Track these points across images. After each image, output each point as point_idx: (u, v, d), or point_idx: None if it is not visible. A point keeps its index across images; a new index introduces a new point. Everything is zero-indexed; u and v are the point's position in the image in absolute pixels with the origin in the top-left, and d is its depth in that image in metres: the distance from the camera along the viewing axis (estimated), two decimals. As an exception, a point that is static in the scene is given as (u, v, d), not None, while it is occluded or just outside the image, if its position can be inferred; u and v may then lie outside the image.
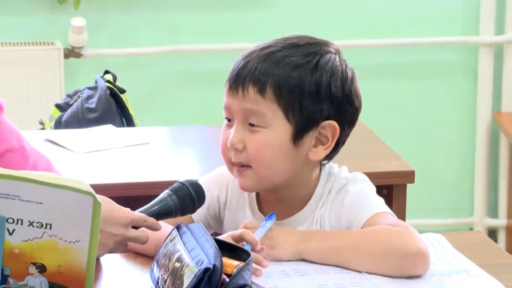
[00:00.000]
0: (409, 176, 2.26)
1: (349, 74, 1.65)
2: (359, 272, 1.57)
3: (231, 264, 1.45)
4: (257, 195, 1.72)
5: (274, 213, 1.65)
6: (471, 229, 3.77)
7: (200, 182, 1.75)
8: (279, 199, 1.69)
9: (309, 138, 1.63)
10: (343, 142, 1.67)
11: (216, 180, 1.75)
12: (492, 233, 3.81)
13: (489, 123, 3.75)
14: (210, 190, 1.73)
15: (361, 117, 1.73)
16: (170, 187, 1.65)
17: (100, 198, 1.40)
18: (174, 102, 3.59)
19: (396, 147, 2.49)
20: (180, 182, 1.65)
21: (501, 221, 3.80)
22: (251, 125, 1.62)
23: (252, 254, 1.54)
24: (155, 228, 1.62)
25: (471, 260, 1.63)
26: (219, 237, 1.57)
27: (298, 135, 1.62)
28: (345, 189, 1.67)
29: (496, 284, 1.55)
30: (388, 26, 3.65)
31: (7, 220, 1.37)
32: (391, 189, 2.25)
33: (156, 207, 1.63)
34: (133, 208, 2.10)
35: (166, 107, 3.58)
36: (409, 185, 2.26)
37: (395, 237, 1.57)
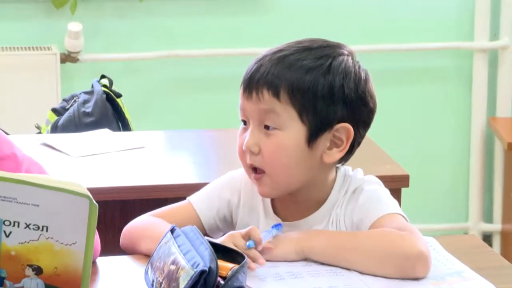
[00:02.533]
0: (404, 180, 2.27)
1: (362, 75, 1.67)
2: (351, 273, 1.58)
3: (226, 266, 1.46)
4: (272, 198, 1.73)
5: (281, 224, 1.66)
6: (465, 233, 3.78)
7: (210, 185, 1.77)
8: (295, 201, 1.70)
9: (324, 141, 1.64)
10: (359, 144, 1.69)
11: (228, 184, 1.76)
12: (487, 238, 3.82)
13: (484, 128, 3.77)
14: (220, 193, 1.75)
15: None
16: None
17: None
18: (170, 106, 3.60)
19: (391, 151, 2.50)
20: None
21: (496, 226, 3.81)
22: (266, 127, 1.64)
23: (249, 252, 1.56)
24: None
25: (465, 263, 1.63)
26: (218, 240, 1.58)
27: (312, 137, 1.63)
28: (361, 188, 1.69)
29: (490, 286, 1.55)
30: (383, 32, 3.67)
31: (3, 222, 1.37)
32: (386, 193, 2.26)
33: None
34: (128, 212, 2.11)
35: (162, 111, 3.59)
36: (403, 190, 2.26)
37: (397, 239, 1.58)
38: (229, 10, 3.58)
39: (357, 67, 1.67)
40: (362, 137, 1.69)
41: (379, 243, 1.59)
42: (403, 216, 1.67)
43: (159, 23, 3.55)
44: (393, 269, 1.57)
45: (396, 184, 2.25)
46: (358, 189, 1.69)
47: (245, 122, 1.67)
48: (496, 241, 3.82)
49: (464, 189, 3.82)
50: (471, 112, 3.76)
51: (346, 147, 1.66)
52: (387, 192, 1.71)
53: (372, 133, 2.64)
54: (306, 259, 1.62)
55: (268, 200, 1.73)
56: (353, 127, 1.65)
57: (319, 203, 1.70)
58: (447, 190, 3.83)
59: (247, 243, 1.57)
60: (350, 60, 1.66)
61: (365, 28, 3.64)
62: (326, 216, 1.69)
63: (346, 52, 1.68)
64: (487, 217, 3.85)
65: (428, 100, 3.75)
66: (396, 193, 2.29)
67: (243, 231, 1.60)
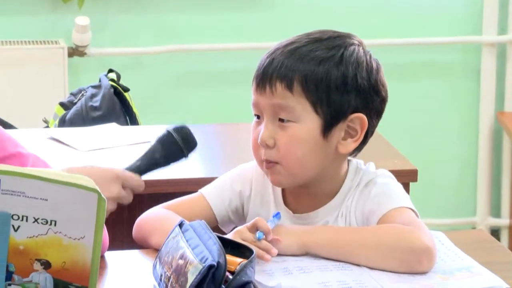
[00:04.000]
0: (412, 175, 2.27)
1: (374, 64, 1.68)
2: (360, 268, 1.58)
3: (234, 261, 1.45)
4: (283, 189, 1.73)
5: (279, 212, 1.67)
6: (473, 228, 3.78)
7: (222, 178, 1.77)
8: (307, 193, 1.70)
9: (338, 131, 1.65)
10: (372, 133, 1.69)
11: (239, 176, 1.76)
12: (495, 233, 3.82)
13: (492, 123, 3.76)
14: (232, 185, 1.75)
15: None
16: (156, 137, 1.62)
17: (80, 169, 1.39)
18: (177, 101, 3.60)
19: (399, 146, 2.49)
20: (166, 130, 1.61)
21: (504, 221, 3.81)
22: (281, 120, 1.64)
23: (260, 244, 1.56)
24: (140, 187, 1.60)
25: (473, 258, 1.63)
26: (229, 235, 1.58)
27: (327, 128, 1.64)
28: (373, 181, 1.69)
29: (498, 281, 1.55)
30: (391, 26, 3.66)
31: (12, 216, 1.37)
32: (394, 187, 2.25)
33: (140, 162, 1.61)
34: (136, 206, 2.11)
35: (169, 106, 3.59)
36: (412, 184, 2.26)
37: (403, 234, 1.58)
38: (234, 5, 3.57)
39: (368, 57, 1.67)
40: (375, 126, 1.70)
41: (384, 238, 1.59)
42: (413, 211, 1.67)
43: (166, 18, 3.55)
44: (398, 263, 1.57)
45: (404, 179, 2.25)
46: (371, 182, 1.69)
47: (258, 116, 1.67)
48: (504, 235, 3.82)
49: (472, 183, 3.81)
50: (479, 106, 3.75)
51: (360, 137, 1.66)
52: (399, 186, 1.71)
53: (380, 128, 2.62)
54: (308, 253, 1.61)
55: (279, 192, 1.73)
56: (366, 116, 1.65)
57: (331, 195, 1.70)
58: (455, 185, 3.82)
59: (257, 234, 1.58)
60: (361, 50, 1.67)
61: (372, 22, 3.63)
62: (337, 209, 1.69)
63: (356, 42, 1.68)
64: (495, 211, 3.84)
65: (436, 94, 3.74)
66: (404, 188, 2.28)
67: (249, 224, 1.60)
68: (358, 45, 1.68)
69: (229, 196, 1.75)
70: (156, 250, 1.60)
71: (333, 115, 1.63)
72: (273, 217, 1.65)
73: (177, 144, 1.59)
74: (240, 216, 1.77)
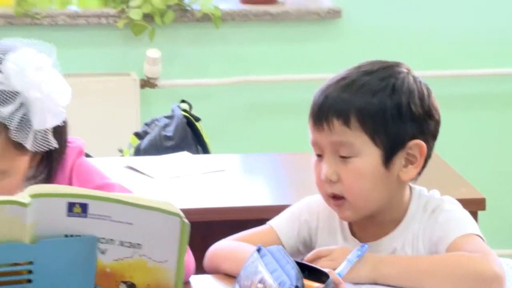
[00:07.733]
0: (480, 203, 2.27)
1: (425, 90, 1.70)
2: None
3: (311, 286, 1.48)
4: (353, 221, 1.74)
5: (366, 245, 1.66)
6: (542, 258, 3.73)
7: (289, 210, 1.79)
8: (373, 222, 1.71)
9: (399, 159, 1.67)
10: (430, 156, 1.71)
11: (306, 207, 1.78)
12: None
13: (561, 152, 3.73)
14: (300, 217, 1.77)
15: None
16: None
17: None
18: (246, 131, 3.63)
19: (466, 175, 2.50)
20: None
21: None
22: (342, 156, 1.65)
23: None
24: None
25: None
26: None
27: (388, 158, 1.66)
28: (441, 208, 1.70)
29: None
30: (459, 57, 3.66)
31: (99, 240, 1.41)
32: (462, 216, 2.26)
33: None
34: (208, 233, 2.15)
35: (238, 136, 3.63)
36: (480, 213, 2.27)
37: (472, 262, 1.59)
38: (302, 36, 3.61)
39: (418, 83, 1.69)
40: (432, 149, 1.71)
41: (454, 266, 1.59)
42: (481, 237, 1.68)
43: (234, 49, 3.59)
44: (469, 292, 1.57)
45: (472, 207, 2.24)
46: (438, 208, 1.70)
47: (318, 155, 1.68)
48: None
49: (542, 212, 3.78)
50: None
51: (420, 162, 1.68)
52: (466, 212, 1.72)
53: (447, 156, 2.64)
54: None
55: (346, 223, 1.74)
56: (424, 141, 1.67)
57: (395, 222, 1.71)
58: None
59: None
60: (411, 78, 1.69)
61: (439, 53, 3.64)
62: (402, 235, 1.70)
63: (405, 70, 1.70)
64: None
65: (504, 124, 3.72)
66: (472, 216, 2.29)
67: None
68: (407, 73, 1.70)
69: (297, 227, 1.76)
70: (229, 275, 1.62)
71: (392, 145, 1.65)
72: (358, 250, 1.63)
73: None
74: (308, 247, 1.78)
